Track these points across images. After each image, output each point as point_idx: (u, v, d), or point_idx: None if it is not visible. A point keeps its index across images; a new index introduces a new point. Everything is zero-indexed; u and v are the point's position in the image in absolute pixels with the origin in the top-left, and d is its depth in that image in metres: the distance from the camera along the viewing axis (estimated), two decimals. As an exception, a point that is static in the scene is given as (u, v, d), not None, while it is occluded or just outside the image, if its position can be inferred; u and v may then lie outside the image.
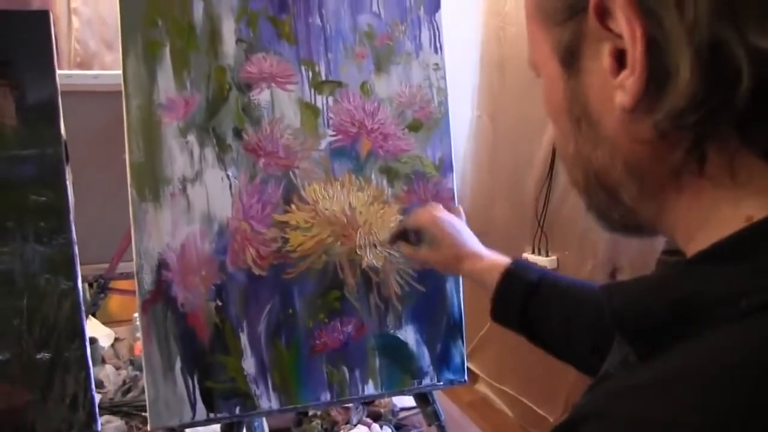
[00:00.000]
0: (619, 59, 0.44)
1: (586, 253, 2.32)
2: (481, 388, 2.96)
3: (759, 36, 0.38)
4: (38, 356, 1.02)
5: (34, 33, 1.04)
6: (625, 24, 0.42)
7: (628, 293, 0.50)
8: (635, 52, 0.42)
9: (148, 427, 1.08)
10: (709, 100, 0.41)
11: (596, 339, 0.94)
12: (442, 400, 1.33)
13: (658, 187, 0.48)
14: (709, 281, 0.42)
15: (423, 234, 1.15)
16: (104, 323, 1.90)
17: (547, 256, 2.58)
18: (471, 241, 1.14)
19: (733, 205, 0.44)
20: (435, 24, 1.23)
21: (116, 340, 1.84)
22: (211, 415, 1.11)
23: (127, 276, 1.66)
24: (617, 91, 0.45)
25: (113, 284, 1.66)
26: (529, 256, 2.67)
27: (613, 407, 0.41)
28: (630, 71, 0.43)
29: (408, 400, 1.44)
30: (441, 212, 1.16)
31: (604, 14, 0.44)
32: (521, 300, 1.03)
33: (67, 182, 1.05)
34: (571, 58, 0.49)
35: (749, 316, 0.38)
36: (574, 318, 0.99)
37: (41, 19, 1.05)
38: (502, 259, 1.09)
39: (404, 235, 1.18)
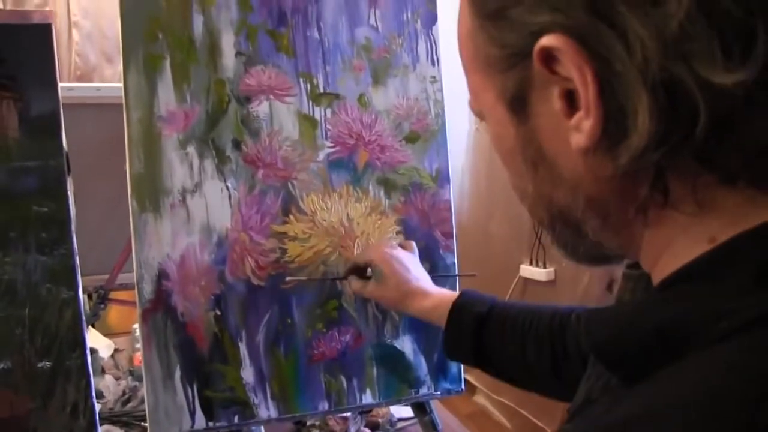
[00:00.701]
0: (570, 100, 0.44)
1: (582, 266, 2.33)
2: (480, 399, 2.97)
3: (709, 71, 0.38)
4: (40, 365, 1.03)
5: (37, 46, 1.05)
6: (574, 68, 0.41)
7: (607, 323, 0.49)
8: (588, 95, 0.42)
9: (148, 436, 1.09)
10: (669, 138, 0.40)
11: (555, 360, 0.93)
12: (440, 412, 1.34)
13: (624, 221, 0.47)
14: (684, 305, 0.43)
15: (373, 270, 1.12)
16: (103, 335, 1.91)
17: (545, 267, 2.59)
18: (419, 278, 1.10)
19: (697, 228, 0.44)
20: (432, 37, 1.24)
21: (116, 350, 1.85)
22: (210, 424, 1.12)
23: (126, 287, 1.67)
24: (572, 132, 0.44)
25: (113, 295, 1.67)
26: (526, 268, 2.69)
27: None
28: (585, 114, 0.43)
29: (406, 411, 1.44)
30: (391, 249, 1.13)
31: (549, 61, 0.43)
32: (472, 334, 1.00)
33: (69, 193, 1.07)
34: (519, 105, 0.48)
35: (725, 339, 0.39)
36: (528, 343, 0.96)
37: (44, 32, 1.06)
38: (449, 295, 1.06)
39: (357, 271, 1.16)
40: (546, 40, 0.42)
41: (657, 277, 0.48)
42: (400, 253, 1.12)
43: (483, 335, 1.00)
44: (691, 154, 0.41)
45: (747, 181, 0.42)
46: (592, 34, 0.40)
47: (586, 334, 0.50)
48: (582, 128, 0.43)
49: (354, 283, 1.15)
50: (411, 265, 1.11)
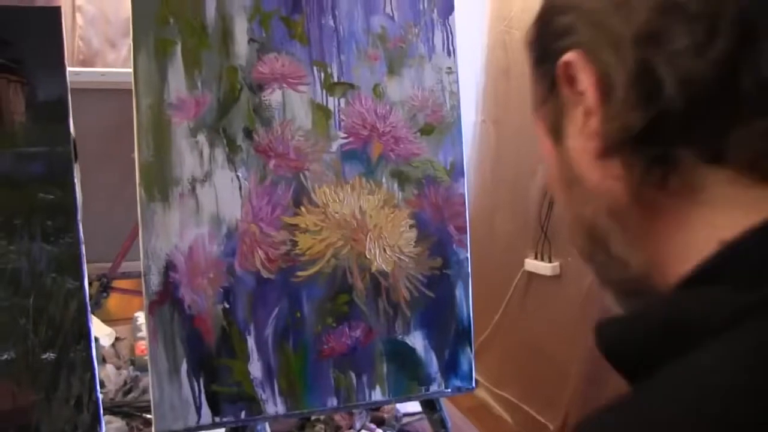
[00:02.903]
0: (587, 115, 0.50)
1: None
2: (481, 394, 2.96)
3: (676, 57, 0.44)
4: (44, 356, 1.01)
5: (45, 30, 1.03)
6: (583, 77, 0.49)
7: (616, 323, 0.51)
8: (591, 97, 0.49)
9: (153, 430, 1.07)
10: (645, 114, 0.46)
11: None
12: (445, 408, 1.32)
13: (639, 226, 0.51)
14: (690, 303, 0.44)
15: None
16: (103, 321, 1.89)
17: (550, 262, 2.58)
18: None
19: (706, 226, 0.47)
20: (448, 27, 1.22)
21: (117, 339, 1.83)
22: (217, 419, 1.10)
23: (129, 275, 1.65)
24: (589, 142, 0.50)
25: (114, 283, 1.66)
26: (531, 262, 2.67)
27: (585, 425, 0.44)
28: (592, 115, 0.49)
29: (411, 406, 1.43)
30: None
31: (570, 79, 0.51)
32: None
33: (76, 181, 1.04)
34: (557, 132, 0.55)
35: (726, 331, 0.40)
36: None
37: (52, 16, 1.04)
38: None
39: None
40: (564, 58, 0.51)
41: (670, 279, 0.49)
42: None
43: None
44: (681, 141, 0.46)
45: (752, 176, 0.45)
46: (594, 45, 0.49)
47: (596, 337, 0.50)
48: (592, 131, 0.50)
49: None
50: None
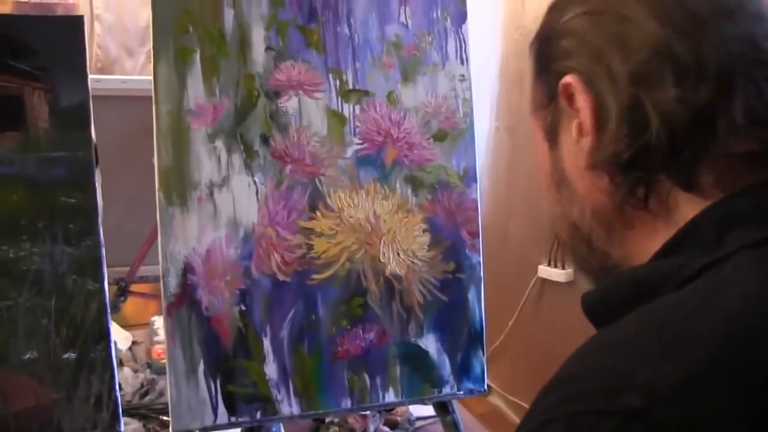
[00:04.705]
0: (581, 130, 0.59)
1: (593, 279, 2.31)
2: (494, 399, 2.96)
3: (661, 97, 0.53)
4: (65, 356, 1.03)
5: (68, 38, 1.05)
6: (581, 98, 0.58)
7: (597, 291, 0.61)
8: (587, 120, 0.58)
9: (170, 430, 1.09)
10: (632, 144, 0.55)
11: None
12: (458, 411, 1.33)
13: (619, 231, 0.60)
14: (660, 265, 0.54)
15: None
16: (120, 327, 1.91)
17: (564, 269, 2.58)
18: None
19: (666, 227, 0.56)
20: (461, 35, 1.24)
21: (134, 343, 1.85)
22: (233, 419, 1.11)
23: (147, 279, 1.67)
24: (581, 153, 0.59)
25: (132, 287, 1.67)
26: (545, 269, 2.67)
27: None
28: (586, 135, 0.58)
29: (425, 410, 1.44)
30: None
31: (569, 97, 0.59)
32: None
33: (96, 185, 1.07)
34: (552, 135, 0.64)
35: (688, 282, 0.49)
36: None
37: (75, 24, 1.07)
38: None
39: None
40: (565, 79, 0.59)
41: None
42: None
43: None
44: (660, 169, 0.55)
45: (716, 195, 0.54)
46: (592, 73, 0.57)
47: (582, 304, 0.59)
48: (583, 146, 0.59)
49: None
50: None
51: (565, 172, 0.63)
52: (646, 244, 0.57)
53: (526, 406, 2.52)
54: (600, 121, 0.57)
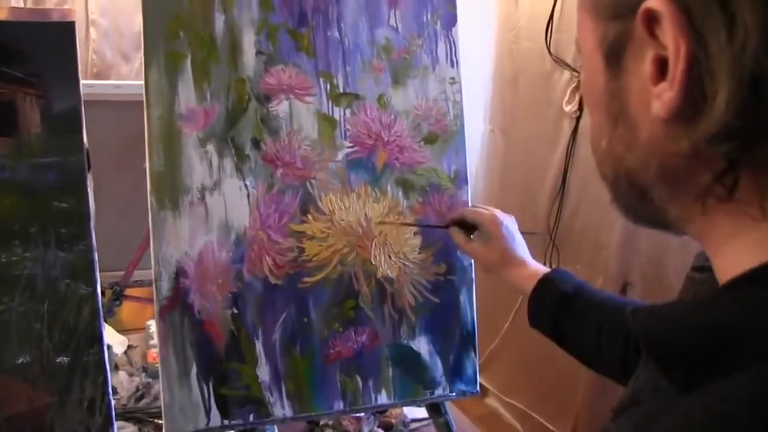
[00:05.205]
0: (661, 67, 0.43)
1: (597, 268, 2.32)
2: (491, 402, 2.96)
3: None
4: (58, 360, 1.04)
5: (60, 44, 1.06)
6: (671, 38, 0.41)
7: (663, 320, 0.47)
8: (677, 69, 0.41)
9: (163, 433, 1.09)
10: (743, 133, 0.39)
11: (626, 354, 0.96)
12: (451, 413, 1.34)
13: (690, 197, 0.46)
14: (747, 311, 0.41)
15: (479, 229, 1.17)
16: (116, 331, 1.91)
17: (558, 270, 2.58)
18: (521, 248, 1.17)
19: (762, 234, 0.43)
20: (451, 38, 1.24)
21: (129, 347, 1.85)
22: (226, 422, 1.12)
23: (141, 284, 1.67)
24: (654, 99, 0.43)
25: (127, 292, 1.68)
26: (539, 271, 2.67)
27: None
28: (669, 85, 0.42)
29: (419, 412, 1.44)
30: (502, 215, 1.18)
31: (651, 22, 0.42)
32: (553, 309, 1.06)
33: (89, 190, 1.07)
34: (614, 56, 0.47)
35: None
36: (603, 333, 1.00)
37: (67, 30, 1.07)
38: (544, 269, 1.12)
39: (461, 224, 1.20)
40: (653, 2, 0.41)
41: (721, 276, 0.46)
42: (508, 220, 1.17)
43: (564, 313, 1.05)
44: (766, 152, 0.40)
45: None
46: (699, 9, 0.39)
47: (639, 327, 0.48)
48: (663, 98, 0.43)
49: (457, 236, 1.20)
50: (516, 233, 1.18)
51: (627, 109, 0.48)
52: (730, 231, 0.45)
53: (523, 408, 2.53)
54: (694, 80, 0.41)
